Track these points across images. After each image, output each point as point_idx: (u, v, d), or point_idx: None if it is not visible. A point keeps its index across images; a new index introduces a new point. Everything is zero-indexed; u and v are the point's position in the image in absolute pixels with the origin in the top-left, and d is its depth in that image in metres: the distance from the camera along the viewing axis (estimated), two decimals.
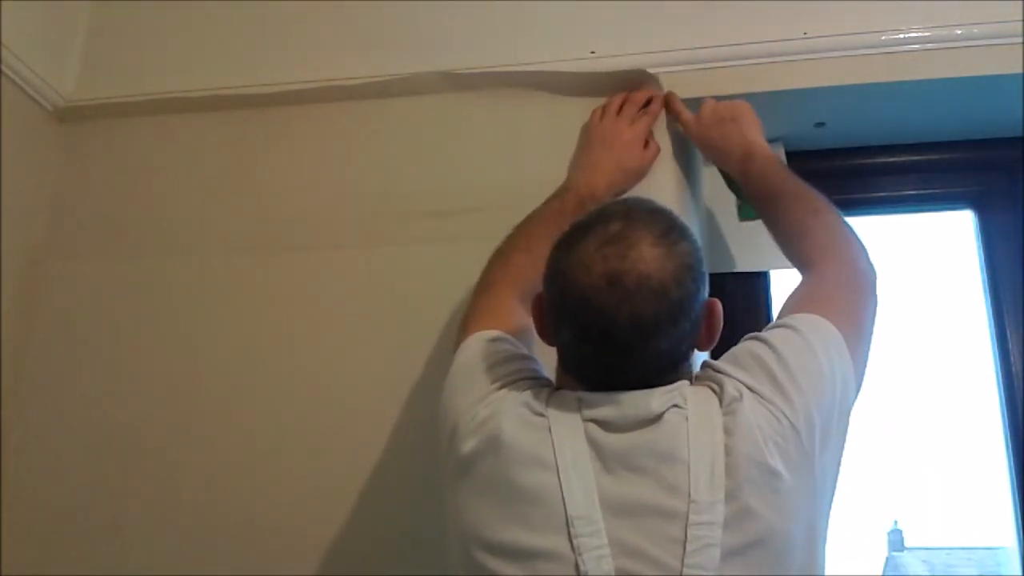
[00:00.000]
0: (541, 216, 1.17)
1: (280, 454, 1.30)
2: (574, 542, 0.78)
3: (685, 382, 0.88)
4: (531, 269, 1.09)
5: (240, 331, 1.37)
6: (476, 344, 1.00)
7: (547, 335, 0.95)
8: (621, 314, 0.83)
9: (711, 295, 0.93)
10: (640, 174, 1.26)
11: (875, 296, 1.00)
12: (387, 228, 1.37)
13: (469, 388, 0.95)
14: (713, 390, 0.87)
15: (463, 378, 0.97)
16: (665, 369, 0.87)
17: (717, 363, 0.91)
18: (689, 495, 0.79)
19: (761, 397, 0.85)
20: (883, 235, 1.55)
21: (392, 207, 1.38)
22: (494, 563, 0.81)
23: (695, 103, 1.32)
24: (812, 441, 0.84)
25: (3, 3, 1.39)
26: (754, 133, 1.20)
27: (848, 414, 0.91)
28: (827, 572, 0.84)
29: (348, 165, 1.42)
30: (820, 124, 1.40)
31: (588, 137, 1.29)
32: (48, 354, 1.42)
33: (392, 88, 1.42)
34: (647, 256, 0.84)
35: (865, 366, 0.95)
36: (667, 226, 0.88)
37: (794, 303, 0.98)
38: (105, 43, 1.57)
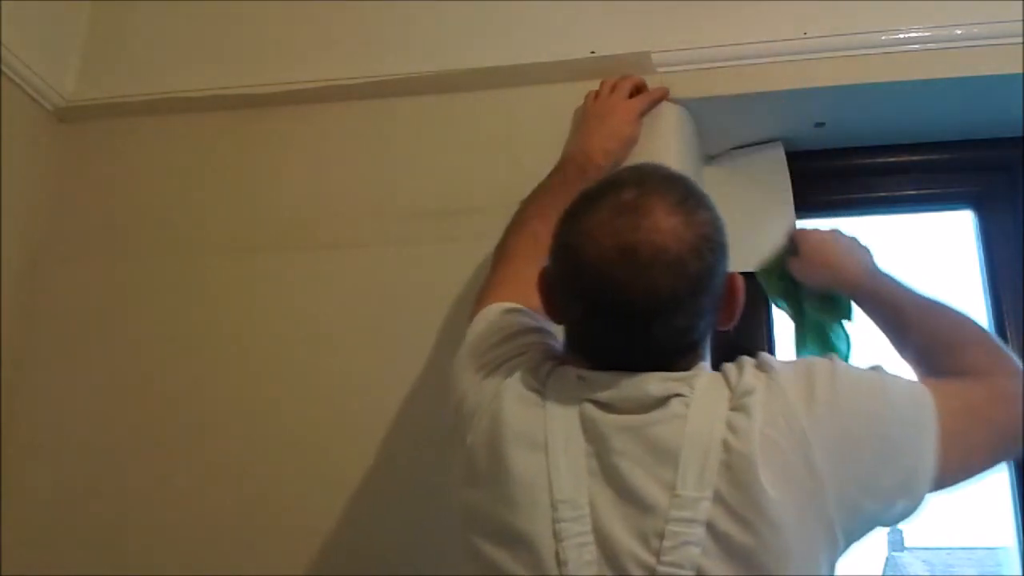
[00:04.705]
0: (547, 187, 1.17)
1: (280, 454, 1.30)
2: (556, 527, 0.75)
3: (702, 367, 0.83)
4: (548, 237, 1.09)
5: (240, 331, 1.37)
6: (489, 315, 0.96)
7: (554, 312, 0.89)
8: (635, 289, 0.77)
9: None
10: (634, 141, 1.25)
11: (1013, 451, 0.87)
12: (387, 228, 1.37)
13: (477, 361, 0.90)
14: (728, 380, 0.81)
15: (473, 350, 0.93)
16: (682, 349, 0.82)
17: (763, 356, 0.83)
18: (674, 488, 0.74)
19: (783, 393, 0.78)
20: (883, 235, 1.55)
21: (392, 207, 1.38)
22: (483, 544, 0.78)
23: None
24: (832, 461, 0.75)
25: (3, 3, 1.39)
26: (859, 261, 1.09)
27: (867, 524, 0.80)
28: None
29: (348, 165, 1.42)
30: (820, 124, 1.40)
31: (583, 115, 1.29)
32: (48, 354, 1.42)
33: (392, 88, 1.42)
34: (662, 226, 0.78)
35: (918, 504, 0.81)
36: (684, 193, 0.82)
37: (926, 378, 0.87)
38: (105, 43, 1.57)
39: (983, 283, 1.42)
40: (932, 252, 1.53)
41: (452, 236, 1.33)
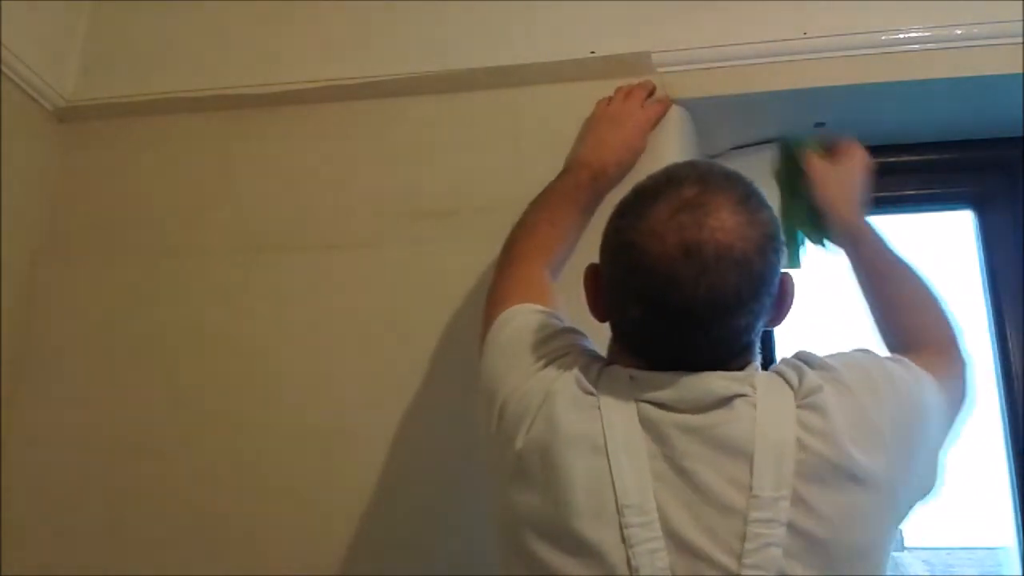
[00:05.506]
0: (559, 190, 1.16)
1: (279, 454, 1.29)
2: (625, 532, 0.73)
3: (755, 366, 0.83)
4: (557, 242, 1.07)
5: (240, 331, 1.37)
6: (521, 316, 0.93)
7: (600, 311, 0.88)
8: (700, 288, 0.76)
9: None
10: (642, 152, 1.25)
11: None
12: (387, 228, 1.37)
13: (517, 362, 0.88)
14: (787, 380, 0.80)
15: (510, 352, 0.90)
16: (739, 349, 0.82)
17: (805, 353, 0.85)
18: (751, 489, 0.73)
19: (845, 388, 0.79)
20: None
21: (392, 207, 1.38)
22: (539, 548, 0.76)
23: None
24: (907, 451, 0.79)
25: (3, 3, 1.39)
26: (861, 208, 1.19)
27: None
28: None
29: (348, 165, 1.42)
30: (820, 124, 1.40)
31: (595, 117, 1.28)
32: (48, 354, 1.42)
33: (392, 88, 1.42)
34: (728, 224, 0.76)
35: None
36: (746, 191, 0.81)
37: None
38: (105, 43, 1.57)
39: (983, 283, 1.42)
40: (932, 252, 1.53)
41: (453, 236, 1.33)
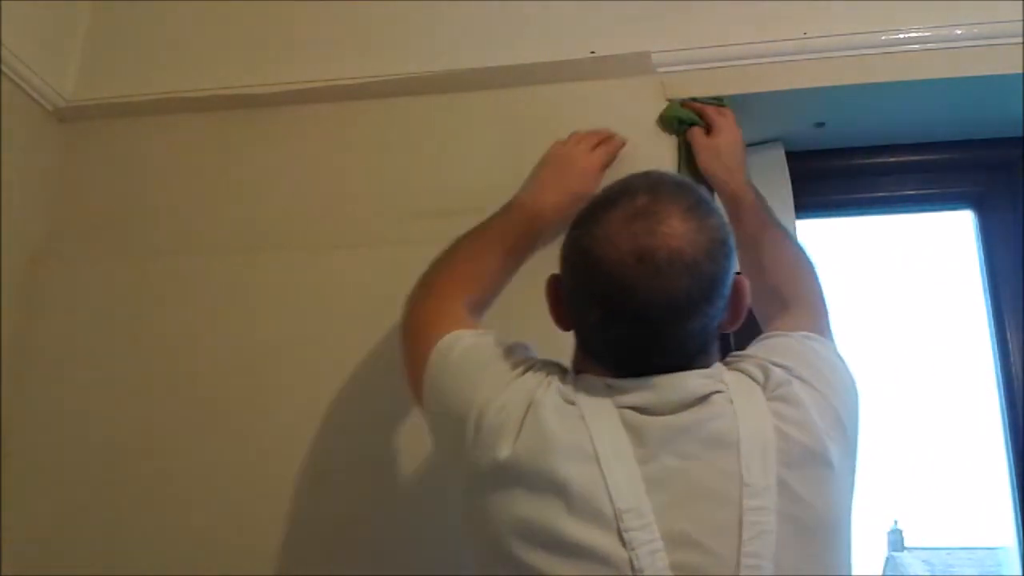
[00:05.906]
0: (487, 231, 1.15)
1: (279, 454, 1.29)
2: (624, 537, 0.74)
3: (720, 365, 0.86)
4: (475, 281, 1.07)
5: (240, 331, 1.37)
6: (468, 338, 0.93)
7: (563, 320, 0.90)
8: (653, 292, 0.80)
9: None
10: (586, 199, 1.22)
11: None
12: (387, 228, 1.37)
13: (485, 375, 0.88)
14: (752, 376, 0.84)
15: (471, 368, 0.90)
16: (696, 351, 0.84)
17: (749, 351, 0.90)
18: (742, 478, 0.76)
19: (806, 383, 0.84)
20: (883, 235, 1.55)
21: (392, 207, 1.38)
22: (534, 556, 0.76)
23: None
24: (854, 428, 0.85)
25: (3, 3, 1.39)
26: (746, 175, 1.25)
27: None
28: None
29: (348, 165, 1.42)
30: (820, 124, 1.40)
31: (544, 158, 1.25)
32: (48, 354, 1.42)
33: (392, 88, 1.42)
34: (678, 230, 0.80)
35: None
36: (695, 199, 0.85)
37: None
38: (105, 43, 1.57)
39: (983, 283, 1.42)
40: (932, 252, 1.53)
41: (452, 236, 1.32)
